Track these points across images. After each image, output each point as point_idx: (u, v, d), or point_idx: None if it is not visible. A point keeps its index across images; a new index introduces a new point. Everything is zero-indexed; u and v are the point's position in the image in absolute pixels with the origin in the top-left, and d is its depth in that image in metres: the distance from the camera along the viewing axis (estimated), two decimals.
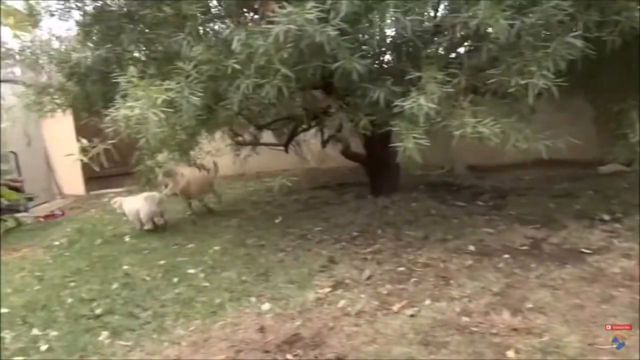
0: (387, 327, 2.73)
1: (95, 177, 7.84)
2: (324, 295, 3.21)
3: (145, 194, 5.33)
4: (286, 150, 5.94)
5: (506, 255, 3.47)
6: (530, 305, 2.76)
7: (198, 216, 5.78)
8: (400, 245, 3.92)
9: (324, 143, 5.72)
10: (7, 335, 3.11)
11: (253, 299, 3.26)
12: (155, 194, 5.43)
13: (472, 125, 2.84)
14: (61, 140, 8.89)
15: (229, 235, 4.79)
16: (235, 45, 3.12)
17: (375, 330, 2.71)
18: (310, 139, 6.33)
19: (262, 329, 2.87)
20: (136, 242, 4.97)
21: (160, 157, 4.98)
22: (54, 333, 3.07)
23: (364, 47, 3.28)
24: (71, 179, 8.55)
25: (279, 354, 2.61)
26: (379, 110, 3.31)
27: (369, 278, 3.41)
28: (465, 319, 2.70)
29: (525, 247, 3.60)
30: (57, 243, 5.39)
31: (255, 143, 6.10)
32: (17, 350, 2.91)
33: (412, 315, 2.81)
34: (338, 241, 4.22)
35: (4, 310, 3.52)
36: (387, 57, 3.84)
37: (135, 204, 5.45)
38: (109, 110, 3.17)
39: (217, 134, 5.27)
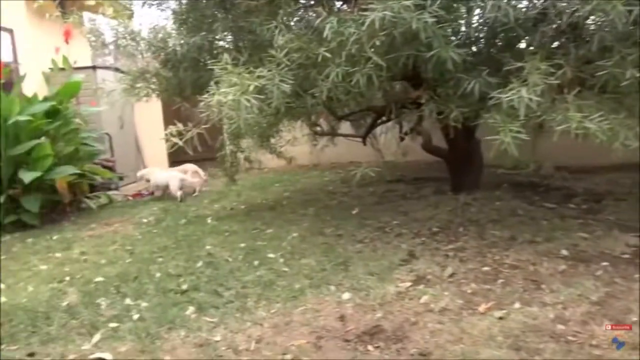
0: (474, 327, 2.61)
1: (178, 161, 8.19)
2: (405, 290, 3.13)
3: (177, 168, 7.16)
4: (364, 142, 5.87)
5: (605, 263, 3.21)
6: (635, 319, 2.53)
7: (276, 203, 5.87)
8: (484, 245, 3.75)
9: (403, 136, 5.57)
10: (103, 302, 3.30)
11: (332, 288, 3.25)
12: (187, 166, 7.11)
13: (577, 120, 2.64)
14: (149, 125, 9.41)
15: (306, 224, 4.82)
16: (326, 33, 3.09)
17: (461, 330, 2.60)
18: (388, 131, 6.20)
19: (342, 318, 2.85)
20: (217, 224, 5.13)
21: (242, 143, 5.12)
22: (144, 304, 3.23)
23: (459, 35, 3.13)
24: (157, 162, 9.00)
25: (359, 344, 2.58)
26: (471, 102, 3.17)
27: (451, 275, 3.29)
28: (560, 326, 2.52)
29: (626, 256, 3.31)
30: (145, 220, 5.69)
31: (333, 134, 6.09)
32: (111, 317, 3.08)
33: (500, 318, 2.67)
34: (417, 236, 4.12)
35: (99, 278, 3.75)
36: (483, 46, 3.67)
37: (163, 177, 6.88)
38: (203, 96, 3.26)
39: (297, 123, 5.31)
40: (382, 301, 3.00)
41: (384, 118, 5.27)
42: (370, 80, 3.07)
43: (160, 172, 7.22)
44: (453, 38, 3.01)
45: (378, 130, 6.05)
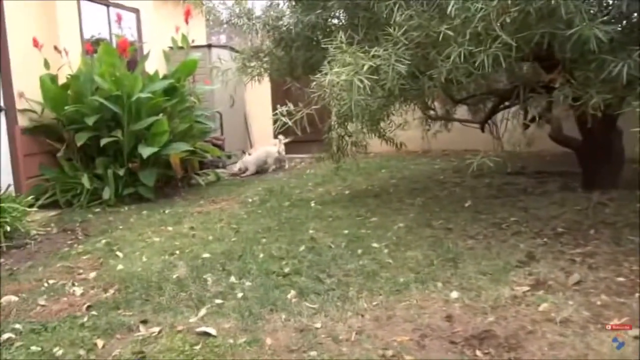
0: (602, 344, 2.40)
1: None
2: (522, 294, 2.96)
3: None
4: (482, 129, 5.63)
5: None
6: None
7: (382, 190, 5.85)
8: (620, 252, 3.42)
9: (528, 123, 5.23)
10: (209, 278, 3.54)
11: (439, 284, 3.17)
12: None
13: None
14: (258, 104, 9.82)
15: (413, 214, 4.75)
16: (450, 10, 2.97)
17: (586, 345, 2.41)
18: (511, 117, 5.86)
19: (449, 318, 2.77)
20: (321, 209, 5.24)
21: (350, 126, 5.13)
22: (248, 283, 3.40)
23: (607, 9, 2.84)
24: (263, 142, 9.39)
25: (467, 348, 2.49)
26: (616, 88, 2.87)
27: (577, 283, 3.04)
28: None
29: None
30: (250, 200, 5.98)
31: (448, 118, 5.90)
32: (217, 293, 3.29)
33: (636, 337, 2.43)
34: (539, 236, 3.86)
35: (206, 254, 4.02)
36: (636, 22, 3.29)
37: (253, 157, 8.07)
38: (315, 76, 3.31)
39: (409, 107, 5.20)
40: (495, 304, 2.87)
41: (507, 103, 4.97)
42: (497, 61, 2.90)
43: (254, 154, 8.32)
44: (598, 14, 2.72)
45: (499, 116, 5.74)
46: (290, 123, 3.81)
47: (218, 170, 7.96)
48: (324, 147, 5.63)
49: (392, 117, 5.19)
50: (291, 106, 3.86)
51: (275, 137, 8.15)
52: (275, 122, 4.08)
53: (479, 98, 5.43)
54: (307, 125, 4.06)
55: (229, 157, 8.40)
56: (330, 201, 5.55)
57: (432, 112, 5.74)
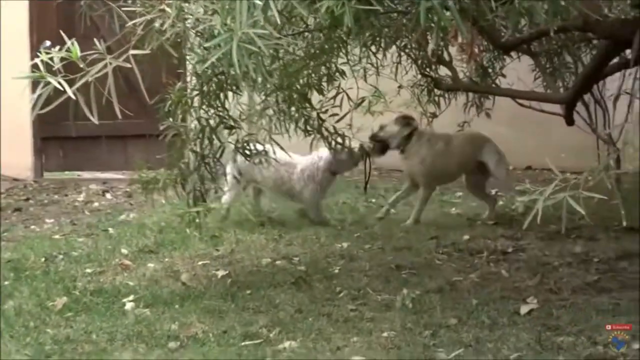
0: None
1: None
2: None
3: None
4: (569, 118, 3.38)
5: None
6: None
7: (311, 265, 3.26)
8: None
9: None
10: None
11: None
12: None
13: None
14: None
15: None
16: None
17: None
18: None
19: None
20: (150, 328, 2.47)
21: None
22: None
23: None
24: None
25: None
26: None
27: None
28: None
29: None
30: None
31: (484, 90, 3.71)
32: None
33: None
34: None
35: None
36: None
37: None
38: None
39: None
40: None
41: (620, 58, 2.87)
42: None
43: None
44: None
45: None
46: None
47: None
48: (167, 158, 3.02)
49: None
50: None
51: None
52: None
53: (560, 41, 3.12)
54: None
55: None
56: (180, 300, 2.75)
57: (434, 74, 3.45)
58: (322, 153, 3.82)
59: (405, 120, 3.89)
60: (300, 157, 3.95)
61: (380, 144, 3.92)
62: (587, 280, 2.90)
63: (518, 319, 2.51)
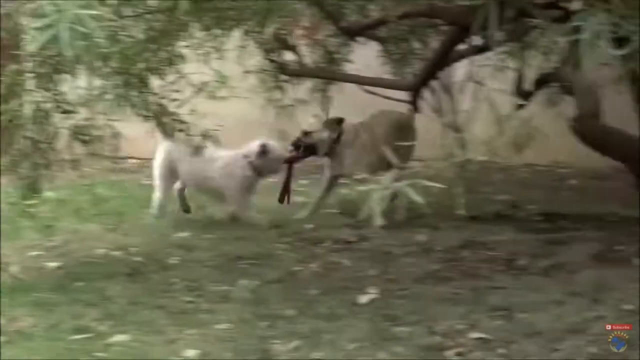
0: None
1: None
2: None
3: None
4: (413, 104, 3.57)
5: None
6: None
7: (148, 257, 3.27)
8: None
9: (522, 99, 3.19)
10: None
11: None
12: None
13: None
14: None
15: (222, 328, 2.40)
16: None
17: None
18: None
19: None
20: None
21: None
22: None
23: None
24: None
25: None
26: None
27: None
28: None
29: None
30: None
31: (327, 76, 3.93)
32: None
33: None
34: None
35: None
36: None
37: None
38: None
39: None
40: None
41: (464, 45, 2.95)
42: None
43: None
44: None
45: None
46: None
47: None
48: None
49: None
50: None
51: None
52: None
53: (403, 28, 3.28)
54: None
55: None
56: (9, 293, 2.64)
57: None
58: (247, 149, 3.63)
59: (334, 124, 3.81)
60: (225, 151, 3.66)
61: (306, 151, 3.79)
62: (428, 269, 2.93)
63: (357, 309, 2.50)
